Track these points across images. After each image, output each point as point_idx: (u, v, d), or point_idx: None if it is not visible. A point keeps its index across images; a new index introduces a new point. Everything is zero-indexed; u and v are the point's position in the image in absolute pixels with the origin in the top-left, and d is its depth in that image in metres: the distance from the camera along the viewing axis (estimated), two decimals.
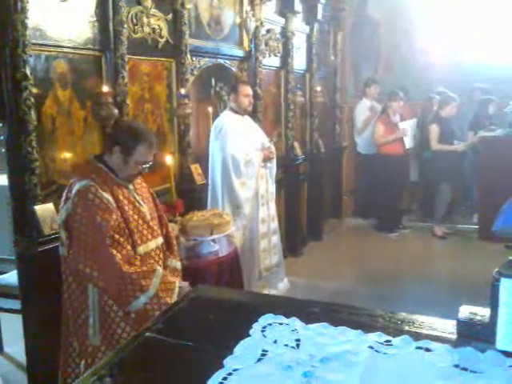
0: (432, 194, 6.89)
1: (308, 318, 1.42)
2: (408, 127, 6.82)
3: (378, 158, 7.00)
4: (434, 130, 6.56)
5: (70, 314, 2.52)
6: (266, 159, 4.55)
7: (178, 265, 2.81)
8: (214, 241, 3.62)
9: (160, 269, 2.53)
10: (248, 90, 4.52)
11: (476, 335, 1.30)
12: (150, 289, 2.42)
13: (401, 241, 6.77)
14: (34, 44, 2.75)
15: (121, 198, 2.52)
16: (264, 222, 4.64)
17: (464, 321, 1.33)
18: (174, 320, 1.44)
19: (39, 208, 2.79)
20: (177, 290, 2.53)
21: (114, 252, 2.36)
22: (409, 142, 6.88)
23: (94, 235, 2.36)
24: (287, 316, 1.44)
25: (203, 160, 4.50)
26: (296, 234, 6.16)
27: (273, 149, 4.64)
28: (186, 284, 2.69)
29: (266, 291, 4.69)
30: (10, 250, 4.07)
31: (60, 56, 2.99)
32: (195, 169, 4.21)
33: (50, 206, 2.85)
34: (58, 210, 2.74)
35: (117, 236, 2.41)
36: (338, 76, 7.63)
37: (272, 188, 4.78)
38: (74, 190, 2.40)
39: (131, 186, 2.63)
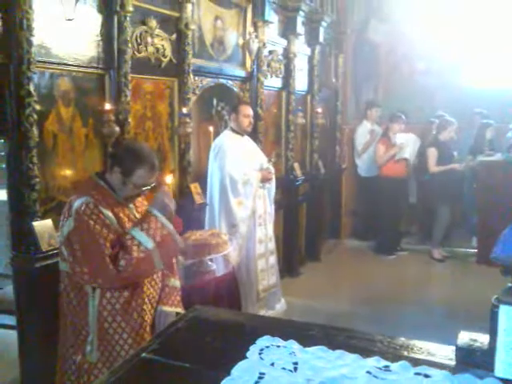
0: (431, 216, 6.90)
1: (306, 340, 1.41)
2: (404, 141, 6.86)
3: (378, 180, 7.03)
4: (433, 153, 6.61)
5: (71, 330, 2.51)
6: (265, 180, 4.57)
7: (178, 283, 2.80)
8: (211, 260, 3.61)
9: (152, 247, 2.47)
10: (249, 111, 4.55)
11: (475, 362, 1.29)
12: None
13: (399, 263, 6.75)
14: (38, 61, 2.77)
15: (121, 215, 2.51)
16: (261, 242, 4.63)
17: (463, 347, 1.32)
18: (170, 341, 1.44)
19: (38, 224, 2.79)
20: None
21: (109, 260, 2.34)
22: (409, 154, 6.89)
23: (92, 247, 2.35)
24: (285, 338, 1.43)
25: (203, 179, 4.51)
26: (294, 255, 6.15)
27: (272, 169, 4.66)
28: (173, 313, 2.66)
29: (263, 312, 4.66)
30: (5, 266, 4.05)
31: (64, 74, 3.01)
32: (194, 188, 4.22)
33: (48, 222, 2.85)
34: (56, 227, 2.75)
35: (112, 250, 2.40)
36: (339, 98, 7.69)
37: (270, 208, 4.78)
38: (74, 207, 2.40)
39: (132, 205, 2.63)
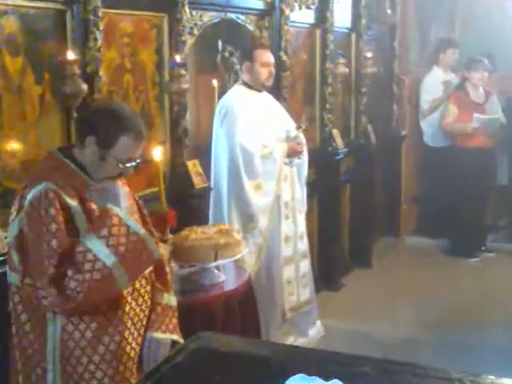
0: None
1: (356, 380, 1.42)
2: (484, 123, 6.80)
3: (453, 153, 6.99)
4: None
5: (21, 366, 2.55)
6: (293, 154, 4.57)
7: (173, 300, 2.82)
8: (218, 268, 3.63)
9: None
10: (268, 57, 4.53)
11: None
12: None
13: (483, 268, 6.74)
14: None
15: (94, 206, 2.54)
16: (288, 241, 4.65)
17: None
18: (167, 380, 1.45)
19: None
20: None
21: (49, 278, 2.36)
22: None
23: (39, 258, 2.37)
24: (325, 377, 1.44)
25: (205, 155, 4.52)
26: (334, 259, 6.15)
27: (302, 139, 4.65)
28: (168, 341, 2.68)
29: (291, 340, 4.69)
30: None
31: (9, 11, 3.01)
32: (193, 166, 4.23)
33: None
34: (3, 224, 2.78)
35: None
36: (396, 37, 7.61)
37: (301, 194, 4.79)
38: (28, 197, 2.42)
39: None
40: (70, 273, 2.36)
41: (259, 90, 4.59)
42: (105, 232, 2.42)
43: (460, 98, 6.91)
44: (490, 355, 4.50)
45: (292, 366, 1.49)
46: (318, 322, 5.00)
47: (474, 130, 6.78)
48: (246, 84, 4.57)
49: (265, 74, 4.51)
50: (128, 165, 2.58)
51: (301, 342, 4.71)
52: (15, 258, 2.46)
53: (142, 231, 2.51)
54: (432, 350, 4.63)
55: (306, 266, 4.83)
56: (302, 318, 4.80)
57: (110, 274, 2.40)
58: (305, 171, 4.82)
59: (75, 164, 2.55)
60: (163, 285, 2.80)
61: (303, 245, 4.80)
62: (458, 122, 6.86)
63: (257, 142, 4.40)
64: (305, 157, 4.75)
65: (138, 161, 2.61)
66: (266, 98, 4.68)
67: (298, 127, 4.68)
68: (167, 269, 2.88)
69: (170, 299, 2.81)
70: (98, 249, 2.39)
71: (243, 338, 2.25)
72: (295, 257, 4.71)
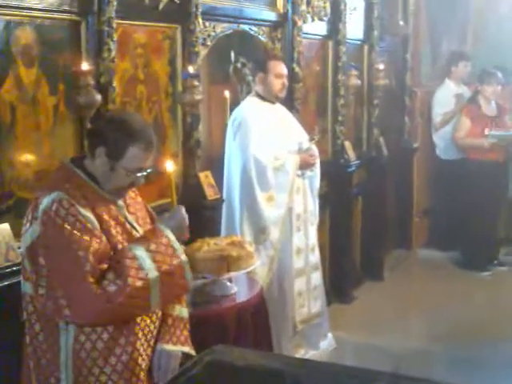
0: None
1: None
2: (501, 139, 6.77)
3: (465, 165, 6.97)
4: None
5: (35, 376, 2.55)
6: (305, 166, 4.57)
7: (184, 312, 2.81)
8: (231, 280, 3.63)
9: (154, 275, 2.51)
10: (282, 69, 4.55)
11: None
12: (152, 305, 2.49)
13: (496, 282, 6.70)
14: None
15: (106, 217, 2.54)
16: (300, 253, 4.65)
17: None
18: None
19: None
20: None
21: (94, 281, 2.37)
22: None
23: (69, 262, 2.37)
24: None
25: (217, 166, 4.53)
26: (346, 271, 6.14)
27: (315, 151, 4.65)
28: (178, 353, 2.68)
29: (301, 352, 4.67)
30: None
31: (25, 22, 3.03)
32: (206, 178, 4.24)
33: (5, 227, 2.89)
34: (16, 234, 2.79)
35: (105, 266, 2.43)
36: (409, 49, 7.61)
37: (313, 206, 4.79)
38: (41, 207, 2.43)
39: (121, 202, 2.65)
40: (110, 276, 2.39)
41: (272, 102, 4.60)
42: (153, 247, 2.47)
43: (472, 111, 6.90)
44: (503, 371, 4.47)
45: (306, 380, 1.49)
46: (330, 335, 4.99)
47: (491, 146, 6.76)
48: (259, 95, 4.58)
49: (278, 85, 4.52)
50: (138, 175, 2.59)
51: (312, 354, 4.70)
52: (28, 268, 2.47)
53: (184, 257, 2.55)
54: (444, 364, 4.62)
55: (317, 278, 4.82)
56: (313, 330, 4.79)
57: (147, 288, 2.43)
58: (317, 183, 4.82)
59: (86, 174, 2.56)
60: None
61: (314, 257, 4.80)
62: (471, 135, 6.84)
63: (270, 154, 4.41)
64: (317, 169, 4.76)
65: (148, 170, 2.62)
66: (279, 109, 4.70)
67: (311, 139, 4.68)
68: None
69: (182, 311, 2.81)
70: (144, 260, 2.44)
71: (257, 351, 2.24)
72: (306, 269, 4.70)
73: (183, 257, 2.54)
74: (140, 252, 2.44)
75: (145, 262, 2.43)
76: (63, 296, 2.39)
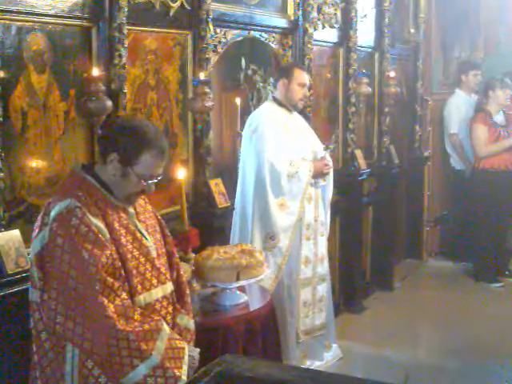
0: None
1: None
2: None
3: (474, 174, 6.95)
4: None
5: None
6: (319, 174, 4.56)
7: (191, 324, 2.82)
8: (240, 289, 3.63)
9: (167, 328, 2.54)
10: (305, 78, 4.59)
11: None
12: (154, 355, 2.44)
13: (507, 294, 6.67)
14: (1, 11, 2.82)
15: (116, 225, 2.54)
16: (308, 262, 4.63)
17: None
18: None
19: (1, 236, 2.83)
20: (186, 358, 2.55)
21: (106, 302, 2.38)
22: None
23: (79, 277, 2.39)
24: None
25: (228, 174, 4.53)
26: (355, 281, 6.12)
27: (329, 160, 4.65)
28: (196, 352, 2.71)
29: (307, 363, 4.64)
30: None
31: (36, 27, 3.05)
32: (216, 186, 4.23)
33: (15, 233, 2.90)
34: (26, 240, 2.80)
35: (110, 279, 2.42)
36: (420, 56, 7.61)
37: (324, 217, 4.77)
38: (52, 214, 2.43)
39: (132, 210, 2.66)
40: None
41: (290, 110, 4.61)
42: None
43: (486, 119, 6.88)
44: None
45: None
46: (335, 345, 4.95)
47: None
48: (277, 101, 4.60)
49: (300, 94, 4.54)
50: (150, 182, 2.59)
51: (316, 364, 4.68)
52: (35, 275, 2.48)
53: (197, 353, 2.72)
54: (454, 377, 4.58)
55: (323, 289, 4.78)
56: (316, 343, 4.75)
57: (159, 331, 2.50)
58: (330, 194, 4.82)
59: (97, 181, 2.57)
60: (183, 307, 2.81)
61: (323, 268, 4.77)
62: (489, 142, 6.82)
63: (284, 160, 4.40)
64: (330, 179, 4.75)
65: (160, 177, 2.63)
66: (296, 117, 4.71)
67: (326, 148, 4.68)
68: (187, 291, 2.90)
69: (189, 322, 2.82)
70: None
71: (266, 362, 2.23)
72: (313, 279, 4.68)
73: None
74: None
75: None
76: (64, 304, 2.41)
